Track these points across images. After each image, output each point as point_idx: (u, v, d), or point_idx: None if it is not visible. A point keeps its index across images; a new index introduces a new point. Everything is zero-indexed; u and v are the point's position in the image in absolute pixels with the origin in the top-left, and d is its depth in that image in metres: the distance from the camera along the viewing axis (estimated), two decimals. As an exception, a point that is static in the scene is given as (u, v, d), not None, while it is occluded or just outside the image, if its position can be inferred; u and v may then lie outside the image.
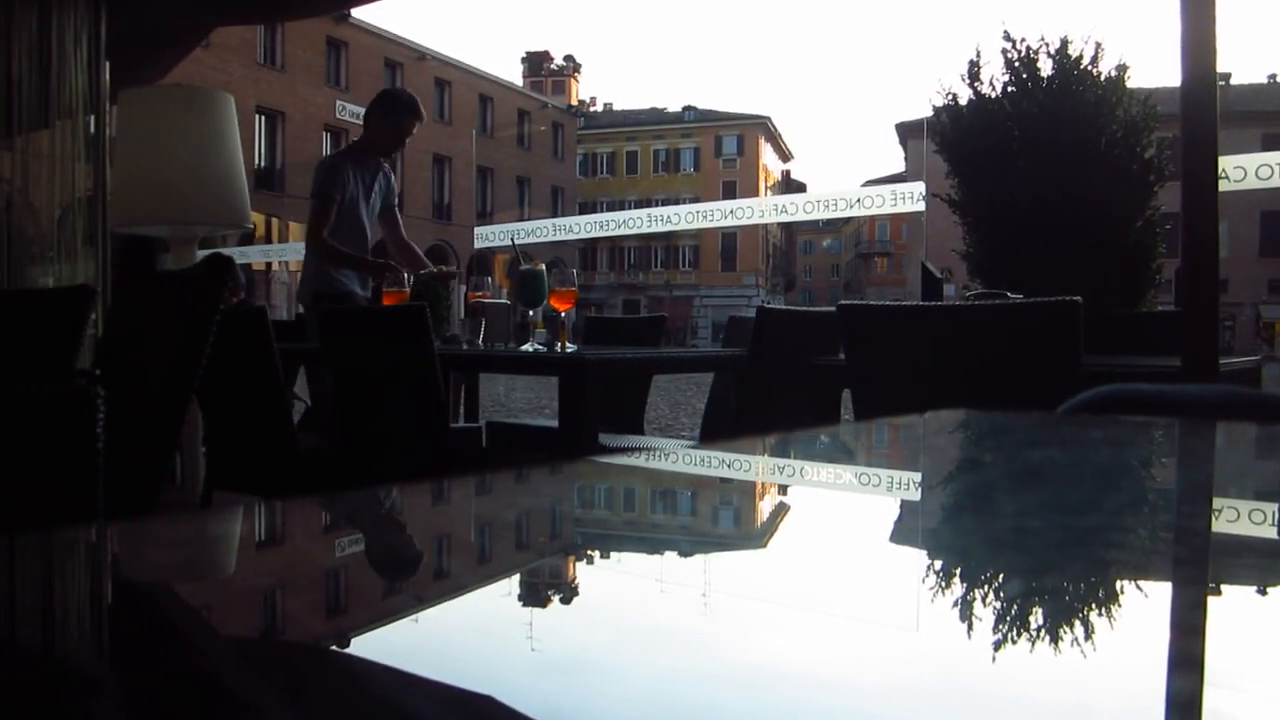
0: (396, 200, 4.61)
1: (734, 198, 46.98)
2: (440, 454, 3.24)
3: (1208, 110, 2.72)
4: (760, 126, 61.11)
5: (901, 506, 0.76)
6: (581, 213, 46.14)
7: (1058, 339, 2.52)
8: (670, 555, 0.56)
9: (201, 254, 3.86)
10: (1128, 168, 14.14)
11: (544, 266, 3.66)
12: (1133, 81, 14.85)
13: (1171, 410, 1.14)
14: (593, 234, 14.82)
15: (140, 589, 0.49)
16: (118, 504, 1.68)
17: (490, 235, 14.44)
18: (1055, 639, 0.37)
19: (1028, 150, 14.17)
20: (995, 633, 0.39)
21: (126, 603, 0.45)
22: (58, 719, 0.29)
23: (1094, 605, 0.44)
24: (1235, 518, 0.67)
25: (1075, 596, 0.44)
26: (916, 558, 0.57)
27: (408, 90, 4.73)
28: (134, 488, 1.82)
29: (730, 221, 13.20)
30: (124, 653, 0.36)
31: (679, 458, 1.15)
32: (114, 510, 1.64)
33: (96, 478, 1.54)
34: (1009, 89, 15.04)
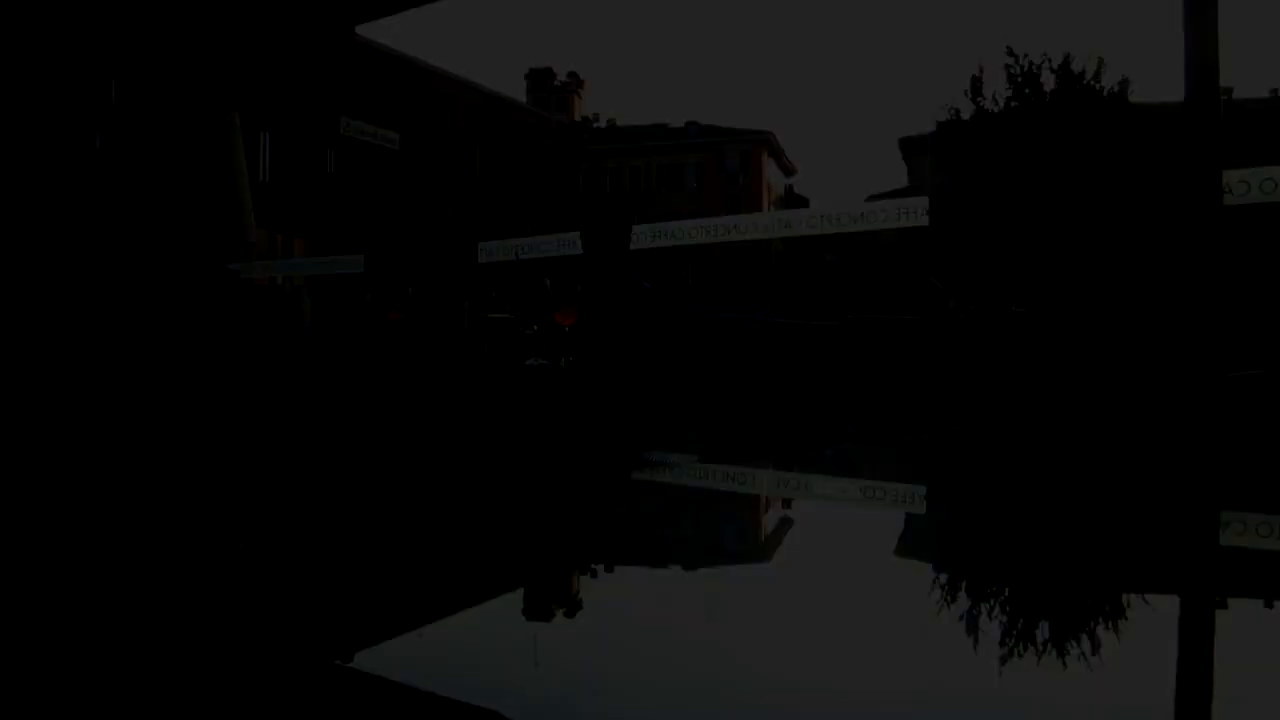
0: None
1: (737, 213, 46.96)
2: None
3: (1211, 125, 2.73)
4: (764, 142, 61.17)
5: (907, 520, 0.76)
6: (585, 228, 46.08)
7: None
8: (675, 570, 0.56)
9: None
10: (1128, 182, 14.15)
11: (548, 281, 3.66)
12: (1135, 96, 14.88)
13: None
14: (595, 249, 14.78)
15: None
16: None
17: (493, 249, 14.37)
18: (1061, 648, 0.37)
19: (1030, 165, 14.18)
20: (1001, 645, 0.38)
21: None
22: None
23: (1096, 612, 0.43)
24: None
25: (1074, 599, 0.44)
26: (923, 570, 0.57)
27: None
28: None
29: (733, 237, 13.18)
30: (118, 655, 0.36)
31: (688, 473, 1.15)
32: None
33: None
34: (1011, 104, 15.08)
